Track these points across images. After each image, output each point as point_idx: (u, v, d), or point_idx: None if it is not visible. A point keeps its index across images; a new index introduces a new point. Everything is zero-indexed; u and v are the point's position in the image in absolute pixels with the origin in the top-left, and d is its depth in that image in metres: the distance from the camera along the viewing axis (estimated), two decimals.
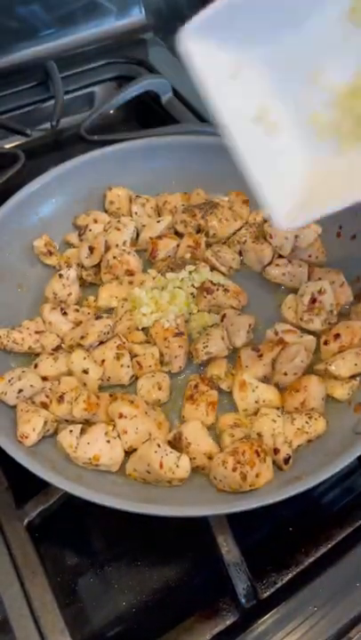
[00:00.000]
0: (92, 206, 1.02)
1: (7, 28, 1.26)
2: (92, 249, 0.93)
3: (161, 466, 0.71)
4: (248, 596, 0.68)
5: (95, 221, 0.98)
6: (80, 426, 0.75)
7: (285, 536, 0.76)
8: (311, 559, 0.72)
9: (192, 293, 0.89)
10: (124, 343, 0.83)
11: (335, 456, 0.70)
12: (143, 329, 0.87)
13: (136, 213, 0.99)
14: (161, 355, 0.84)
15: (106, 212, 1.02)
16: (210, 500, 0.71)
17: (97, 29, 1.35)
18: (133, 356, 0.83)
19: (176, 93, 1.27)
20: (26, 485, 0.72)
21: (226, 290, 0.89)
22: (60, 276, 0.90)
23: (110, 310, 0.91)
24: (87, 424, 0.76)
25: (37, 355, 0.84)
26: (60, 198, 0.99)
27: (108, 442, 0.73)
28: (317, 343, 0.85)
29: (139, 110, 1.28)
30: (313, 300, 0.86)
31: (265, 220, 0.98)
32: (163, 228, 0.98)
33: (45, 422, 0.75)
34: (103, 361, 0.82)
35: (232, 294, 0.89)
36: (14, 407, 0.78)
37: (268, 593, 0.70)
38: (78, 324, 0.87)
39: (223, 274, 0.94)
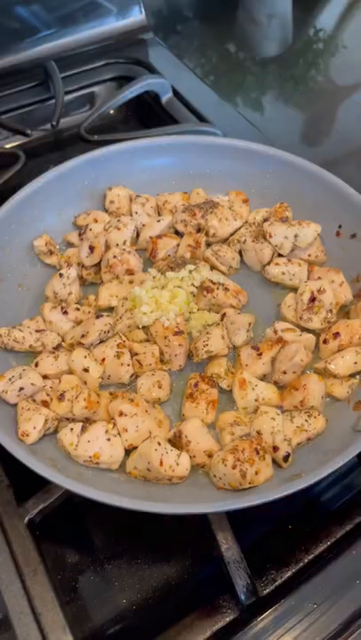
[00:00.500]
0: (92, 206, 1.02)
1: (8, 28, 1.26)
2: (92, 248, 0.93)
3: (161, 464, 0.71)
4: (248, 593, 0.68)
5: (95, 221, 0.98)
6: (80, 424, 0.75)
7: (285, 533, 0.76)
8: (311, 556, 0.73)
9: (192, 292, 0.90)
10: (124, 342, 0.84)
11: (335, 454, 0.70)
12: (143, 328, 0.87)
13: (136, 213, 0.99)
14: (161, 353, 0.84)
15: (106, 211, 1.02)
16: (210, 497, 0.72)
17: (97, 30, 1.35)
18: (134, 354, 0.84)
19: (176, 93, 1.27)
20: (27, 483, 0.72)
21: (226, 289, 0.89)
22: (61, 275, 0.90)
23: (111, 309, 0.91)
24: (88, 422, 0.77)
25: (38, 353, 0.85)
26: (61, 198, 0.99)
27: (109, 440, 0.74)
28: (317, 342, 0.86)
29: (139, 110, 1.28)
30: (312, 299, 0.86)
31: (265, 220, 0.98)
32: (163, 228, 0.98)
33: (46, 421, 0.75)
34: (103, 359, 0.82)
35: (232, 293, 0.90)
36: (15, 405, 0.78)
37: (267, 590, 0.70)
38: (79, 322, 0.87)
39: (223, 273, 0.94)
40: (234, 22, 1.64)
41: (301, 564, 0.72)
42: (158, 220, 0.98)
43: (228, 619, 0.68)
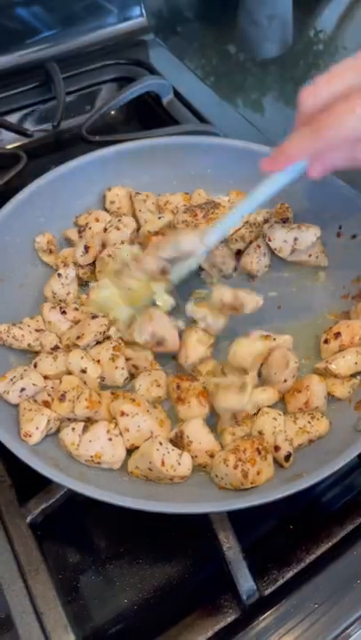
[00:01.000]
0: (94, 206, 1.02)
1: (9, 29, 1.26)
2: (87, 248, 0.93)
3: (163, 463, 0.71)
4: (249, 592, 0.68)
5: (97, 220, 0.98)
6: (82, 424, 0.76)
7: (286, 533, 0.76)
8: (312, 556, 0.73)
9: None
10: (119, 344, 0.83)
11: (336, 454, 0.70)
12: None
13: (140, 210, 0.99)
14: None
15: (107, 212, 1.02)
16: (211, 497, 0.72)
17: (98, 31, 1.36)
18: (128, 358, 0.83)
19: (177, 94, 1.28)
20: (29, 483, 0.72)
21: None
22: (59, 275, 0.90)
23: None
24: (89, 422, 0.77)
25: (36, 353, 0.85)
26: (62, 198, 0.99)
27: (110, 440, 0.74)
28: (318, 342, 0.86)
29: (140, 111, 1.29)
30: None
31: (265, 220, 0.98)
32: (162, 225, 0.97)
33: (48, 421, 0.75)
34: (99, 361, 0.82)
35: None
36: (16, 406, 0.78)
37: (269, 590, 0.70)
38: (77, 322, 0.87)
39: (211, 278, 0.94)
40: (234, 23, 1.64)
41: (303, 564, 0.72)
42: (159, 217, 0.98)
43: (229, 618, 0.68)
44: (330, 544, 0.74)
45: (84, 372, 0.80)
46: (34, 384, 0.78)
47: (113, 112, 1.26)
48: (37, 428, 0.73)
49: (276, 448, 0.74)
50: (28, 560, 0.69)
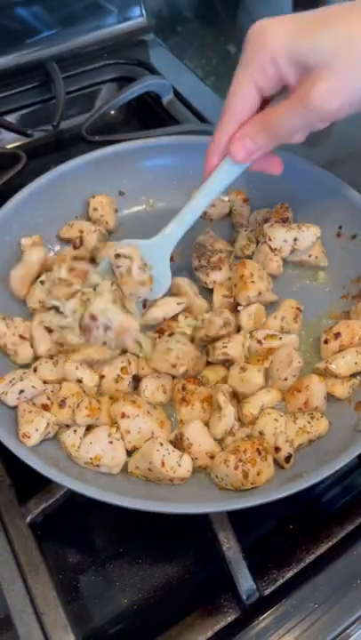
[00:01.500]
0: None
1: (8, 29, 1.26)
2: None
3: (163, 464, 0.71)
4: (249, 592, 0.68)
5: (81, 232, 0.96)
6: (84, 427, 0.75)
7: (286, 533, 0.76)
8: (312, 557, 0.73)
9: None
10: (129, 365, 0.80)
11: (336, 454, 0.70)
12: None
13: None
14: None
15: (89, 219, 1.01)
16: (211, 497, 0.72)
17: (98, 31, 1.36)
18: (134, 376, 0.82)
19: (177, 94, 1.28)
20: (28, 483, 0.72)
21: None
22: (42, 282, 0.87)
23: None
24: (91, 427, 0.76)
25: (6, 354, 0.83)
26: (62, 198, 0.99)
27: (111, 443, 0.74)
28: (318, 342, 0.86)
29: (139, 111, 1.28)
30: None
31: (265, 220, 0.98)
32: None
33: (48, 424, 0.74)
34: (103, 377, 0.80)
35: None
36: (15, 408, 0.78)
37: (269, 590, 0.70)
38: (60, 345, 0.83)
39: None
40: (234, 23, 1.64)
41: (303, 564, 0.72)
42: (178, 303, 0.87)
43: (229, 618, 0.69)
44: (330, 544, 0.74)
45: (80, 381, 0.79)
46: (33, 386, 0.77)
47: (113, 112, 1.25)
48: (37, 430, 0.73)
49: (277, 449, 0.74)
50: (28, 560, 0.69)
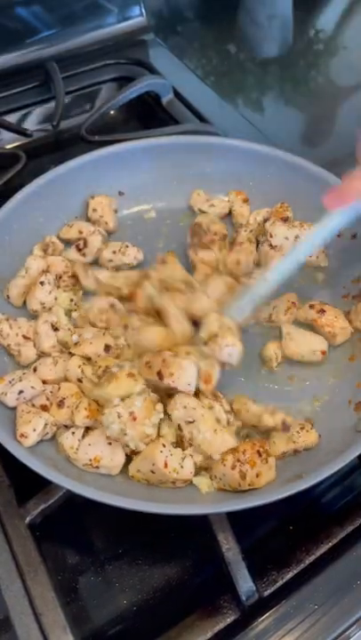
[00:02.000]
0: None
1: (8, 28, 1.26)
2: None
3: (165, 465, 0.71)
4: (249, 593, 0.68)
5: (80, 232, 0.96)
6: (82, 428, 0.75)
7: (286, 534, 0.76)
8: (312, 557, 0.72)
9: None
10: (153, 401, 0.78)
11: (336, 454, 0.70)
12: None
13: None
14: None
15: (89, 220, 1.00)
16: (211, 498, 0.72)
17: (98, 30, 1.35)
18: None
19: (177, 94, 1.27)
20: (27, 484, 0.72)
21: None
22: (42, 283, 0.87)
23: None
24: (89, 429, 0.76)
25: (11, 355, 0.83)
26: (61, 198, 0.99)
27: (110, 444, 0.73)
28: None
29: (139, 111, 1.28)
30: None
31: (265, 220, 0.98)
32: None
33: (45, 424, 0.74)
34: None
35: None
36: (14, 408, 0.78)
37: (268, 591, 0.70)
38: (64, 344, 0.84)
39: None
40: (234, 23, 1.64)
41: (302, 565, 0.72)
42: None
43: (229, 619, 0.68)
44: (329, 545, 0.73)
45: (80, 381, 0.78)
46: (32, 387, 0.77)
47: (113, 112, 1.25)
48: (34, 430, 0.73)
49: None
50: (27, 561, 0.69)
